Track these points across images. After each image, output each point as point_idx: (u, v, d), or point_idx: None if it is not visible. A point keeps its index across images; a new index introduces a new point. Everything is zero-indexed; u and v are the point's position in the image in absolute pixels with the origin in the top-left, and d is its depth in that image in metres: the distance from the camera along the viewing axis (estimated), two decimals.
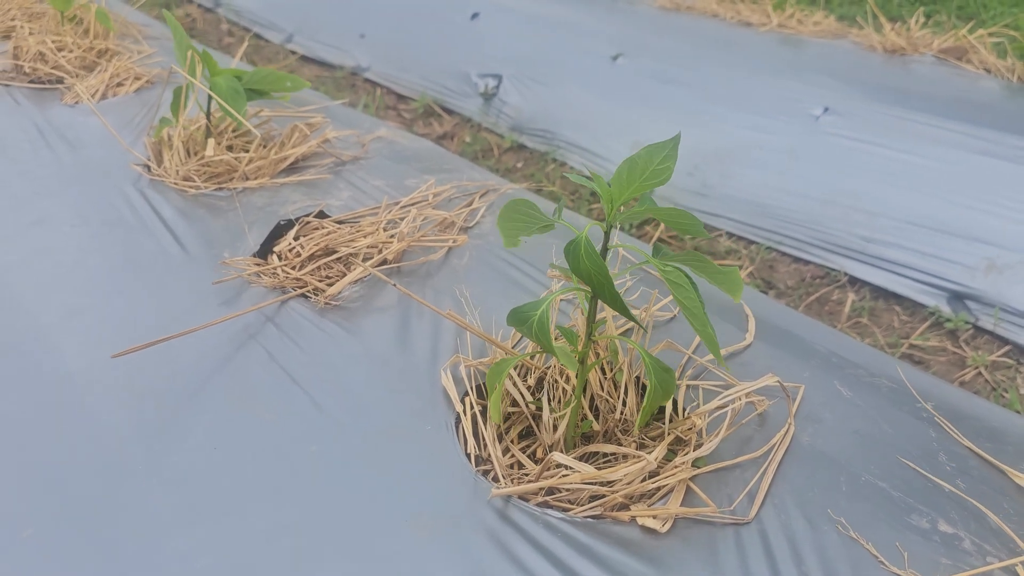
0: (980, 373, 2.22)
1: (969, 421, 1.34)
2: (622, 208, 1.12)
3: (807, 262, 2.66)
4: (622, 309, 1.09)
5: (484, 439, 1.26)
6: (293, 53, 4.29)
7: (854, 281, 2.56)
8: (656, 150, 1.05)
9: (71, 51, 2.61)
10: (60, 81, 2.51)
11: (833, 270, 2.59)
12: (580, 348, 1.22)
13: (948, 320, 2.36)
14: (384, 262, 1.66)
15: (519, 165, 3.26)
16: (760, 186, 2.84)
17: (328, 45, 4.24)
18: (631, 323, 1.47)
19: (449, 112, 3.68)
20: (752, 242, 2.76)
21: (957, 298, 2.41)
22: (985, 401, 1.44)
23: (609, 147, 3.18)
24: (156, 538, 1.13)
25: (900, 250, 2.52)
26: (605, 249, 1.15)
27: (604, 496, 1.15)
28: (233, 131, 2.09)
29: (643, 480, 1.16)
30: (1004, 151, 2.62)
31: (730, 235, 2.80)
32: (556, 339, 1.36)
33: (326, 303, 1.55)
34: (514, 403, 1.34)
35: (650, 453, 1.17)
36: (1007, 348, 2.28)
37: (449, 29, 4.04)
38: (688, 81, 3.32)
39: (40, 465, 1.26)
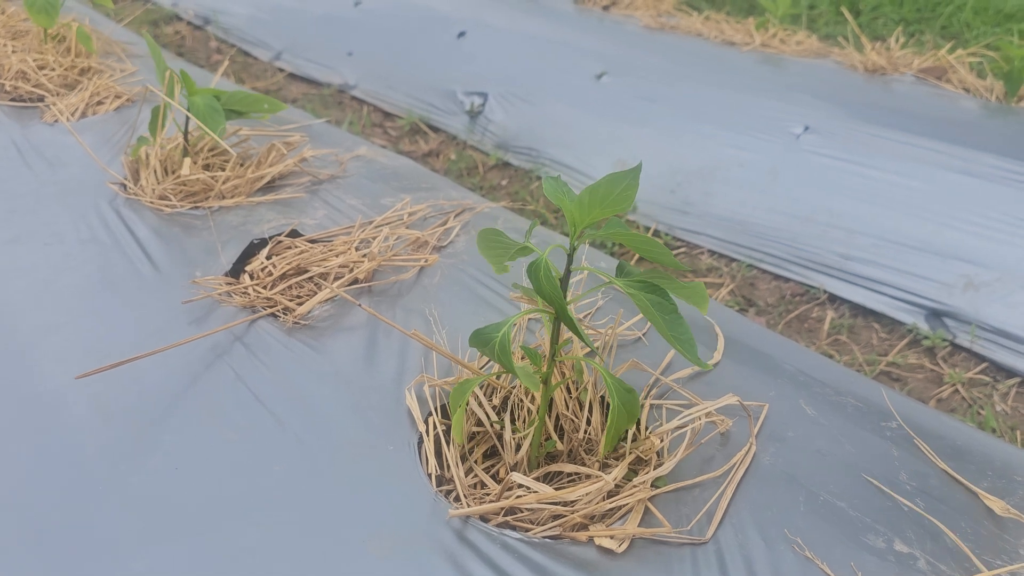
0: (957, 390, 2.23)
1: (933, 440, 1.34)
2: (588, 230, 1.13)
3: (787, 279, 2.67)
4: (577, 331, 1.10)
5: (447, 459, 1.26)
6: (281, 71, 4.31)
7: (833, 299, 2.57)
8: (618, 179, 1.06)
9: (53, 69, 2.62)
10: (41, 99, 2.53)
11: (812, 287, 2.60)
12: (543, 368, 1.23)
13: (926, 337, 2.37)
14: (355, 281, 1.67)
15: (504, 183, 3.28)
16: (741, 204, 2.85)
17: (316, 63, 4.26)
18: (597, 343, 1.47)
19: (435, 130, 3.70)
20: (733, 259, 2.77)
21: (935, 316, 2.42)
22: (952, 419, 1.45)
23: (593, 165, 3.20)
24: (114, 559, 1.13)
25: (879, 268, 2.54)
26: (568, 270, 1.16)
27: (564, 516, 1.15)
28: (210, 150, 2.10)
29: (602, 500, 1.16)
30: (982, 170, 2.64)
31: (711, 252, 2.81)
32: (520, 359, 1.37)
33: (295, 322, 1.56)
34: (479, 423, 1.34)
35: (610, 473, 1.17)
36: (984, 365, 2.29)
37: (436, 48, 4.07)
38: (671, 99, 3.34)
39: (3, 484, 1.26)
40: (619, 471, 1.18)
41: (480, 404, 1.34)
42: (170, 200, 1.95)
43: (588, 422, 1.31)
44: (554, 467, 1.28)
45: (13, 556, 1.15)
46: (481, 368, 1.44)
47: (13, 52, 2.70)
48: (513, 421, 1.31)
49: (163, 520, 1.19)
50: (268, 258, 1.74)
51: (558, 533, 1.14)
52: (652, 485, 1.19)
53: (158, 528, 1.18)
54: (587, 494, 1.15)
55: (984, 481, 1.24)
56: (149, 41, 1.94)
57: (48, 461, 1.30)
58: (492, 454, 1.35)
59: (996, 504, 1.19)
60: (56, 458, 1.31)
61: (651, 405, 1.36)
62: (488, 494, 1.23)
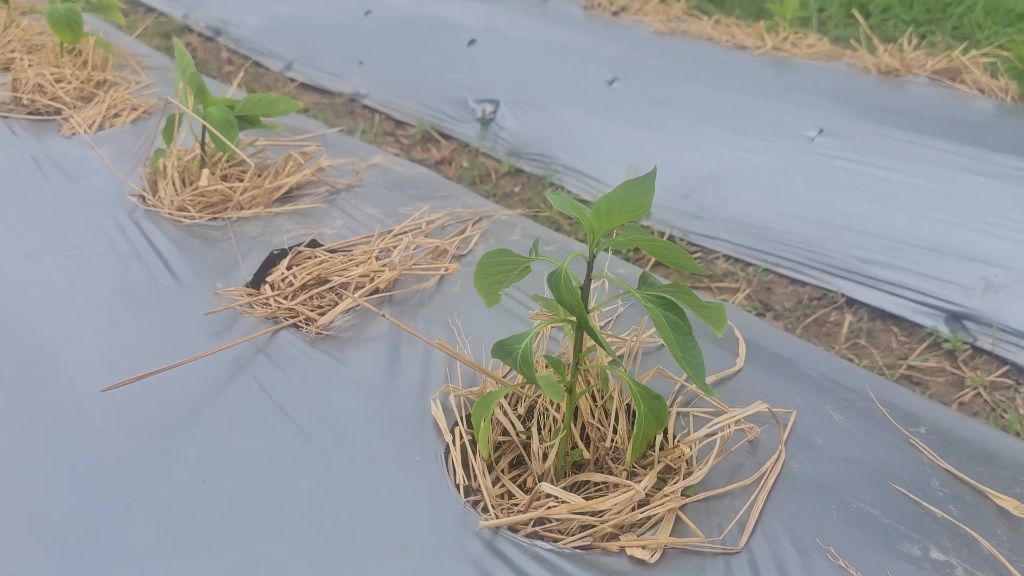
0: (979, 393, 2.21)
1: (963, 445, 1.33)
2: (615, 235, 1.13)
3: (804, 283, 2.65)
4: (599, 341, 1.09)
5: (474, 469, 1.26)
6: (292, 80, 4.32)
7: (851, 302, 2.56)
8: (633, 185, 1.06)
9: (69, 82, 2.63)
10: (58, 112, 2.54)
11: (830, 291, 2.58)
12: (567, 377, 1.22)
13: (946, 340, 2.35)
14: (376, 291, 1.67)
15: (517, 189, 3.27)
16: (756, 208, 2.84)
17: (327, 72, 4.27)
18: (622, 350, 1.47)
19: (447, 137, 3.70)
20: (749, 264, 2.75)
21: (955, 318, 2.40)
22: (980, 424, 1.44)
23: (606, 171, 3.19)
24: (137, 571, 1.13)
25: (897, 271, 2.52)
26: (588, 279, 1.15)
27: (594, 526, 1.15)
28: (228, 161, 2.10)
29: (632, 510, 1.15)
30: (998, 171, 2.62)
31: (727, 257, 2.80)
32: (545, 368, 1.36)
33: (317, 333, 1.56)
34: (504, 432, 1.33)
35: (639, 482, 1.16)
36: (1006, 368, 2.27)
37: (446, 56, 4.07)
38: (683, 104, 3.33)
39: (28, 498, 1.26)
40: (648, 480, 1.17)
41: (505, 413, 1.33)
42: (189, 211, 1.96)
43: (615, 431, 1.30)
44: (581, 476, 1.27)
45: (36, 567, 1.15)
46: (505, 377, 1.43)
47: (30, 66, 2.72)
48: (539, 430, 1.30)
49: (186, 531, 1.19)
50: (288, 268, 1.74)
51: (589, 543, 1.13)
52: (682, 494, 1.18)
53: (181, 539, 1.17)
54: (617, 504, 1.14)
55: (1017, 487, 1.23)
56: (178, 48, 1.94)
57: (70, 473, 1.30)
58: (519, 463, 1.34)
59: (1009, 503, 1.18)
60: (78, 470, 1.31)
61: (678, 413, 1.36)
62: (516, 504, 1.23)
